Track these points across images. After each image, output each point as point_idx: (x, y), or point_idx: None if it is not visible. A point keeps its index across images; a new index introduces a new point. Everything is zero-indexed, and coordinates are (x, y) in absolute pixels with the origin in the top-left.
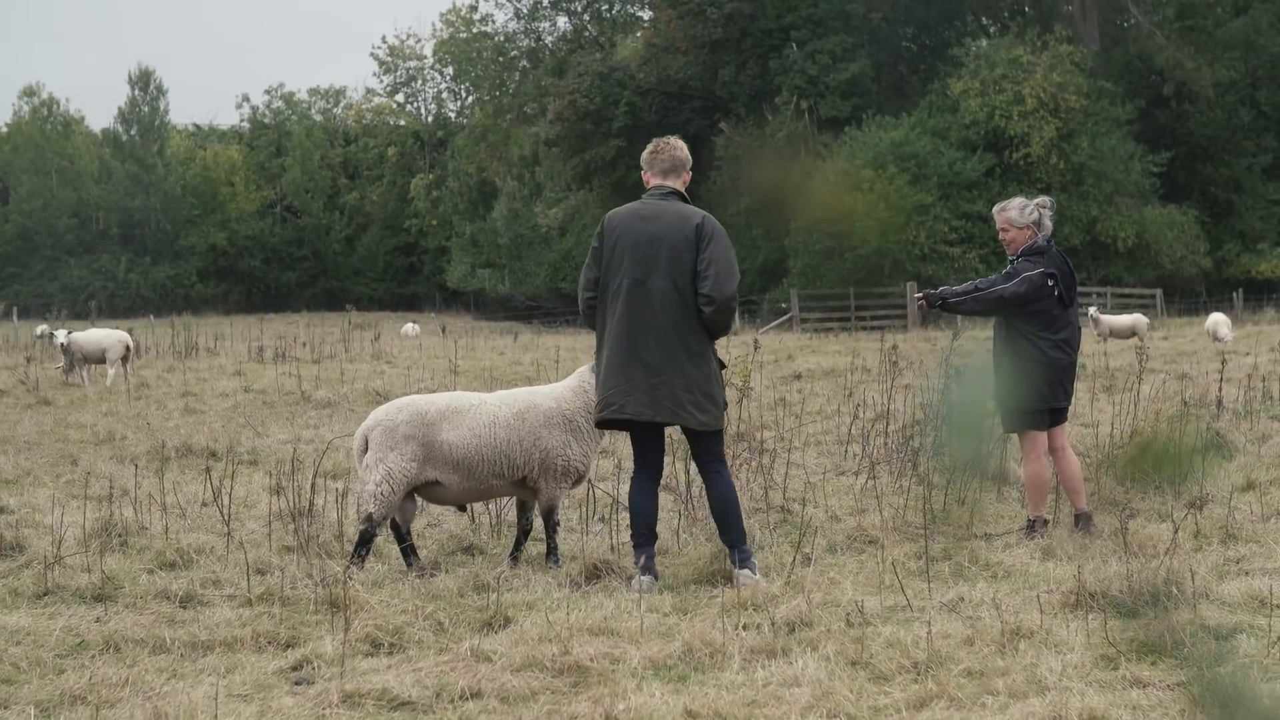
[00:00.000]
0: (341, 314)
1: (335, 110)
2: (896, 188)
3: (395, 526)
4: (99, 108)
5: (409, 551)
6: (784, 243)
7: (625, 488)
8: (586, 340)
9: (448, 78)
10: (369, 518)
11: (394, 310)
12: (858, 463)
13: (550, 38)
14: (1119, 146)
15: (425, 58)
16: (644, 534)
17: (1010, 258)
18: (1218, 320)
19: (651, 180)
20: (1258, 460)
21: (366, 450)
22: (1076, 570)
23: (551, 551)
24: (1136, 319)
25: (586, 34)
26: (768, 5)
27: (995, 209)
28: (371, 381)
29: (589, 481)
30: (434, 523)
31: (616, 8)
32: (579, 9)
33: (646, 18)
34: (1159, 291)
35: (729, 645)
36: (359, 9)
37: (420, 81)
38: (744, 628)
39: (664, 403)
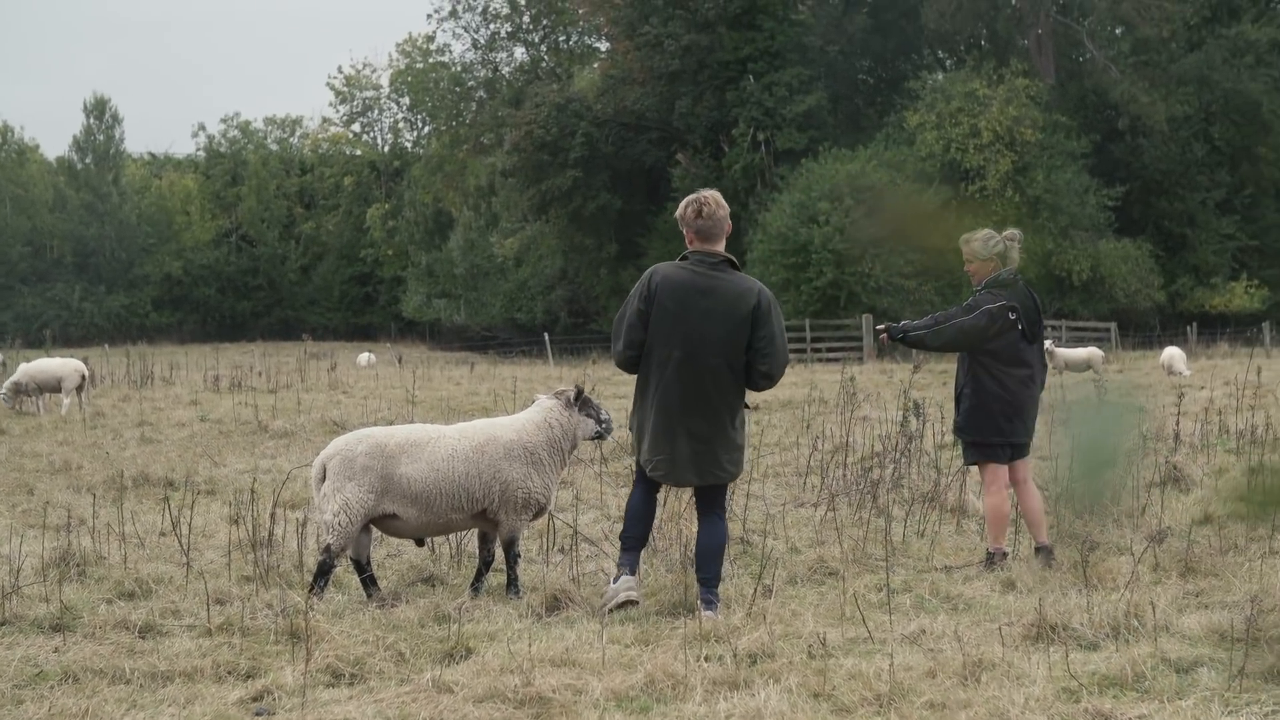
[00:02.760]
0: (297, 343)
1: (291, 139)
2: (853, 220)
3: (355, 558)
4: (54, 136)
5: (369, 582)
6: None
7: (585, 518)
8: (542, 370)
9: (404, 108)
10: (327, 548)
11: (349, 340)
12: (817, 494)
13: (507, 68)
14: (1074, 180)
15: (382, 87)
16: (634, 538)
17: (974, 289)
18: (1173, 354)
19: (695, 243)
20: (1215, 494)
21: (324, 479)
22: (1038, 603)
23: (512, 583)
24: (1091, 352)
25: (543, 65)
26: (725, 37)
27: (961, 240)
28: (328, 411)
29: (549, 513)
30: (394, 553)
31: (574, 39)
32: (536, 40)
33: (604, 49)
34: (1113, 325)
35: (691, 677)
36: (315, 39)
37: (377, 111)
38: (706, 659)
39: (707, 468)
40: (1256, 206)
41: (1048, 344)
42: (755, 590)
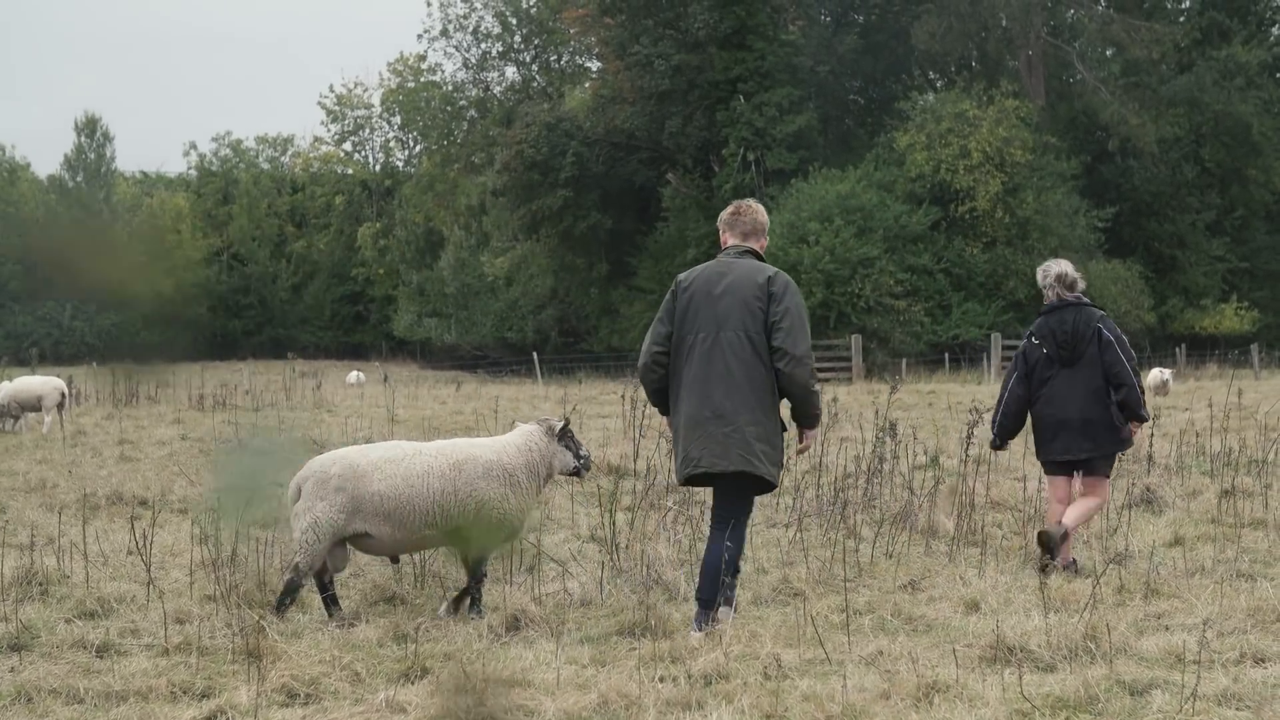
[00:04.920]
0: (287, 362)
1: (283, 158)
2: (842, 240)
3: (318, 576)
4: (45, 154)
5: (330, 601)
6: None
7: (555, 538)
8: (529, 390)
9: (395, 127)
10: (295, 567)
11: (340, 359)
12: (788, 515)
13: (498, 88)
14: (1064, 201)
15: (373, 106)
16: (708, 592)
17: None
18: (1159, 374)
19: (729, 240)
20: (1187, 516)
21: (296, 495)
22: (995, 625)
23: (475, 602)
24: None
25: (535, 84)
26: (715, 57)
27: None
28: (310, 430)
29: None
30: (357, 573)
31: (565, 59)
32: (527, 59)
33: (594, 69)
34: None
35: (645, 697)
36: (307, 57)
37: (368, 130)
38: (661, 680)
39: (735, 450)
40: (1247, 228)
41: None
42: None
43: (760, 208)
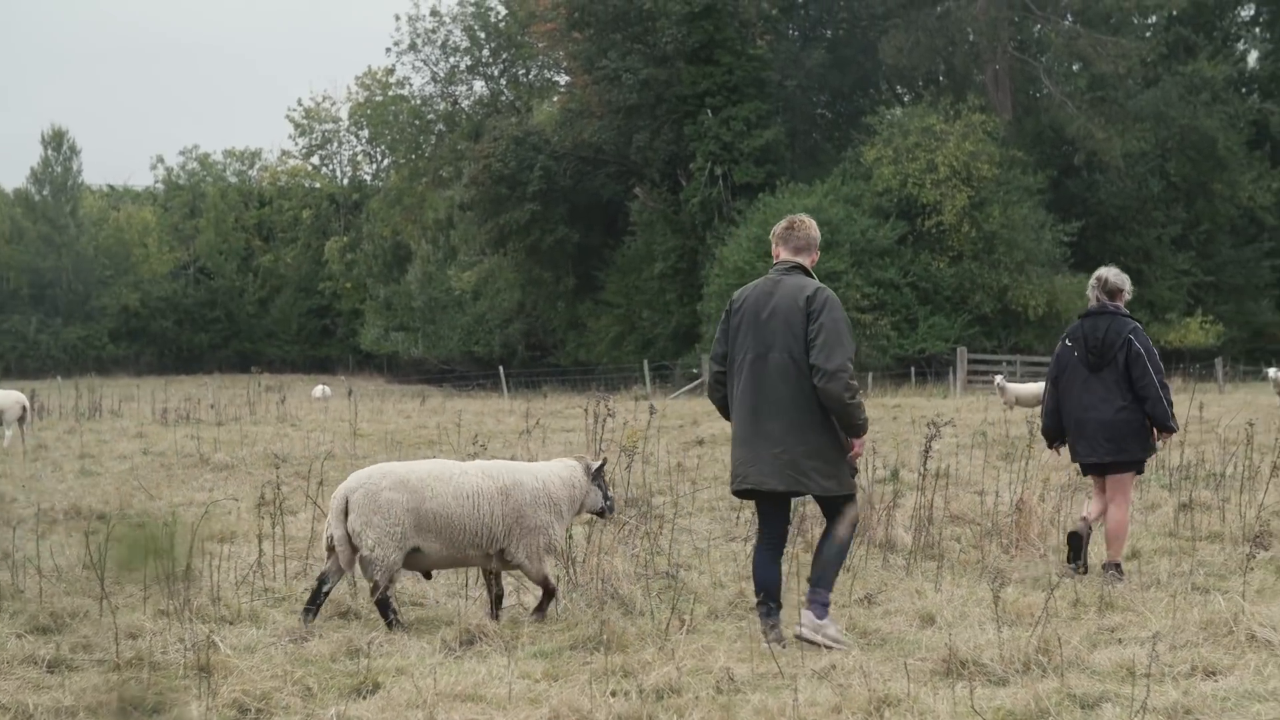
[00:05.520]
0: (252, 376)
1: (250, 172)
2: None
3: (321, 579)
4: (11, 168)
5: (312, 611)
6: (697, 308)
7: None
8: (494, 404)
9: (363, 140)
10: (375, 585)
11: (307, 373)
12: (747, 529)
13: (467, 102)
14: (1030, 215)
15: (341, 120)
16: (767, 603)
17: None
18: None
19: (781, 254)
20: (1144, 529)
21: (347, 513)
22: (949, 638)
23: (540, 609)
24: (1042, 388)
25: (503, 98)
26: (683, 72)
27: None
28: (272, 444)
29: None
30: (311, 586)
31: (533, 73)
32: (495, 73)
33: (562, 83)
34: None
35: (596, 712)
36: (275, 71)
37: (336, 144)
38: (613, 694)
39: (786, 471)
40: (1212, 242)
41: (999, 379)
42: (667, 624)
43: (813, 223)
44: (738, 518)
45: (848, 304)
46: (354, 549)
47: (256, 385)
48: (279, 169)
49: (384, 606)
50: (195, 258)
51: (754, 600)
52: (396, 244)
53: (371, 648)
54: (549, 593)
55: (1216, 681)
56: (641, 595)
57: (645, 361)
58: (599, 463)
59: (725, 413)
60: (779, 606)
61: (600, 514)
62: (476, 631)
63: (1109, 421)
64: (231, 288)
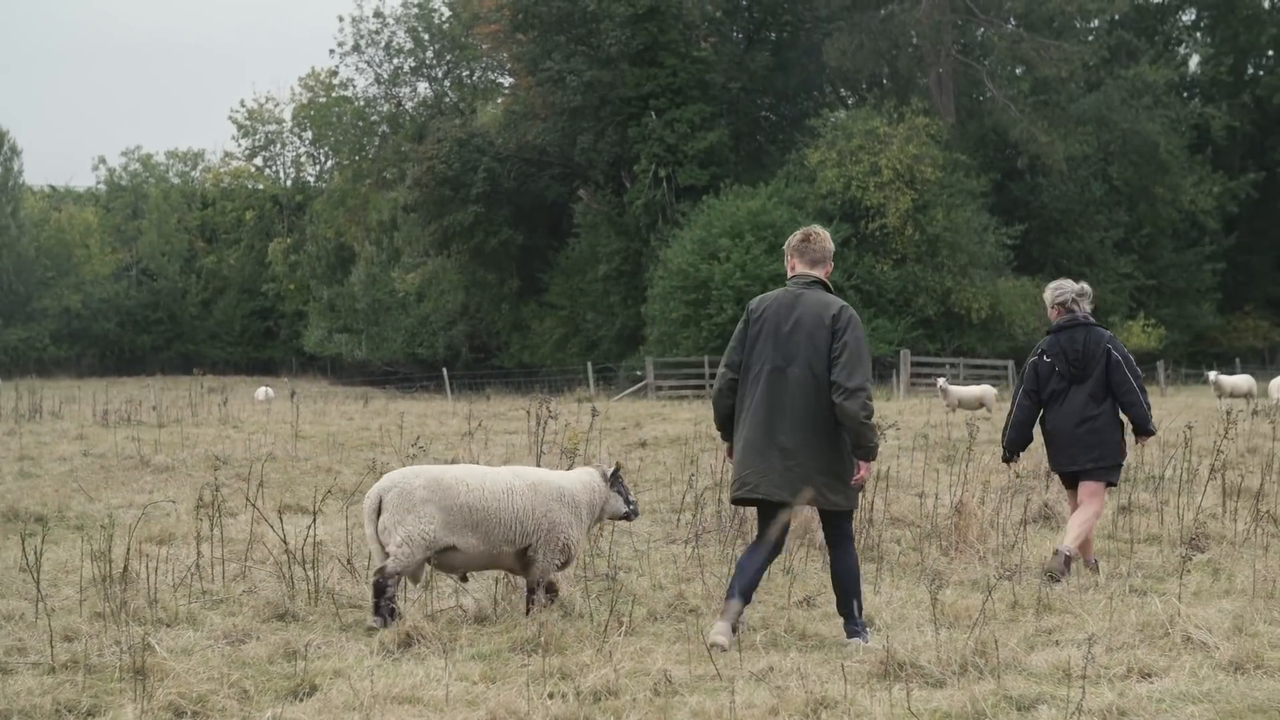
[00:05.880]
0: (195, 378)
1: (193, 173)
2: (753, 256)
3: (379, 586)
4: None
5: (386, 607)
6: (641, 310)
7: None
8: (438, 406)
9: (307, 142)
10: (382, 570)
11: (250, 374)
12: (687, 531)
13: (410, 103)
14: (973, 218)
15: (284, 121)
16: (737, 590)
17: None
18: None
19: (798, 267)
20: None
21: (380, 512)
22: (886, 640)
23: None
24: (984, 390)
25: (447, 100)
26: (627, 74)
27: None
28: (214, 446)
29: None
30: (250, 590)
31: (477, 74)
32: (439, 75)
33: (506, 85)
34: (1011, 363)
35: (534, 714)
36: (217, 72)
37: (279, 145)
38: (550, 696)
39: (797, 484)
40: (1154, 246)
41: (941, 381)
42: (605, 626)
43: (827, 235)
44: (678, 520)
45: None
46: (383, 547)
47: (199, 387)
48: (222, 170)
49: (380, 590)
50: (137, 259)
51: (687, 599)
52: (340, 246)
53: (309, 650)
54: (539, 592)
55: (1152, 683)
56: (580, 597)
57: (589, 363)
58: (613, 468)
59: (724, 420)
60: (747, 599)
61: (625, 518)
62: (414, 634)
63: (1089, 430)
64: (174, 289)
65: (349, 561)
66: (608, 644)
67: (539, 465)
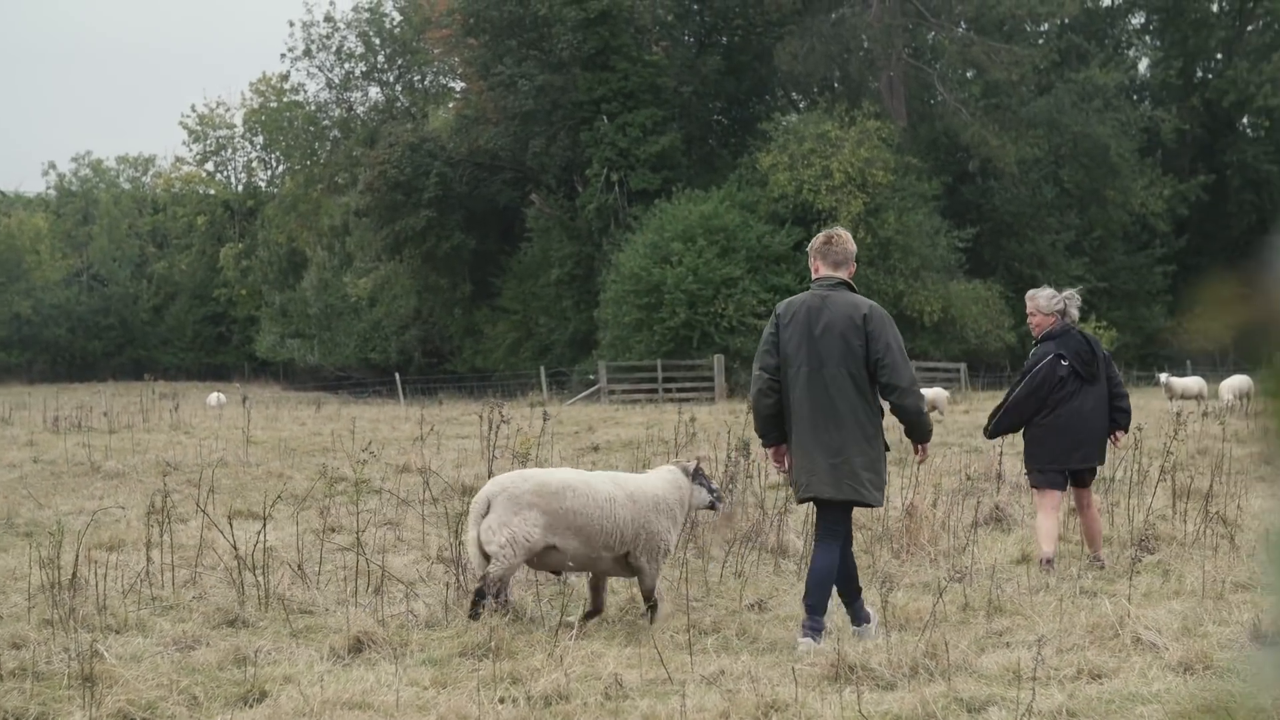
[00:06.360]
0: (146, 384)
1: (144, 178)
2: (705, 260)
3: (481, 593)
4: None
5: (488, 602)
6: (593, 314)
7: (405, 559)
8: (390, 411)
9: (258, 147)
10: (485, 576)
11: (202, 380)
12: None
13: (362, 108)
14: (925, 222)
15: (235, 126)
16: (843, 594)
17: (1034, 339)
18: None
19: (821, 269)
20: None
21: (488, 513)
22: (837, 643)
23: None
24: (936, 393)
25: (398, 104)
26: (578, 78)
27: (1027, 295)
28: (165, 452)
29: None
30: (200, 595)
31: (428, 79)
32: (391, 79)
33: (458, 89)
34: (963, 365)
35: (484, 719)
36: (168, 77)
37: (230, 150)
38: (501, 701)
39: (845, 481)
40: (1105, 248)
41: None
42: (556, 630)
43: (849, 236)
44: None
45: (744, 310)
46: (483, 549)
47: (150, 393)
48: (173, 175)
49: (480, 596)
50: (88, 265)
51: (639, 603)
52: (292, 251)
53: (259, 656)
54: (653, 605)
55: (1101, 684)
56: (532, 602)
57: (542, 368)
58: (694, 464)
59: (764, 421)
60: (856, 597)
61: (711, 507)
62: (365, 639)
63: (1103, 430)
64: (125, 295)
65: (299, 567)
66: (559, 648)
67: (491, 471)
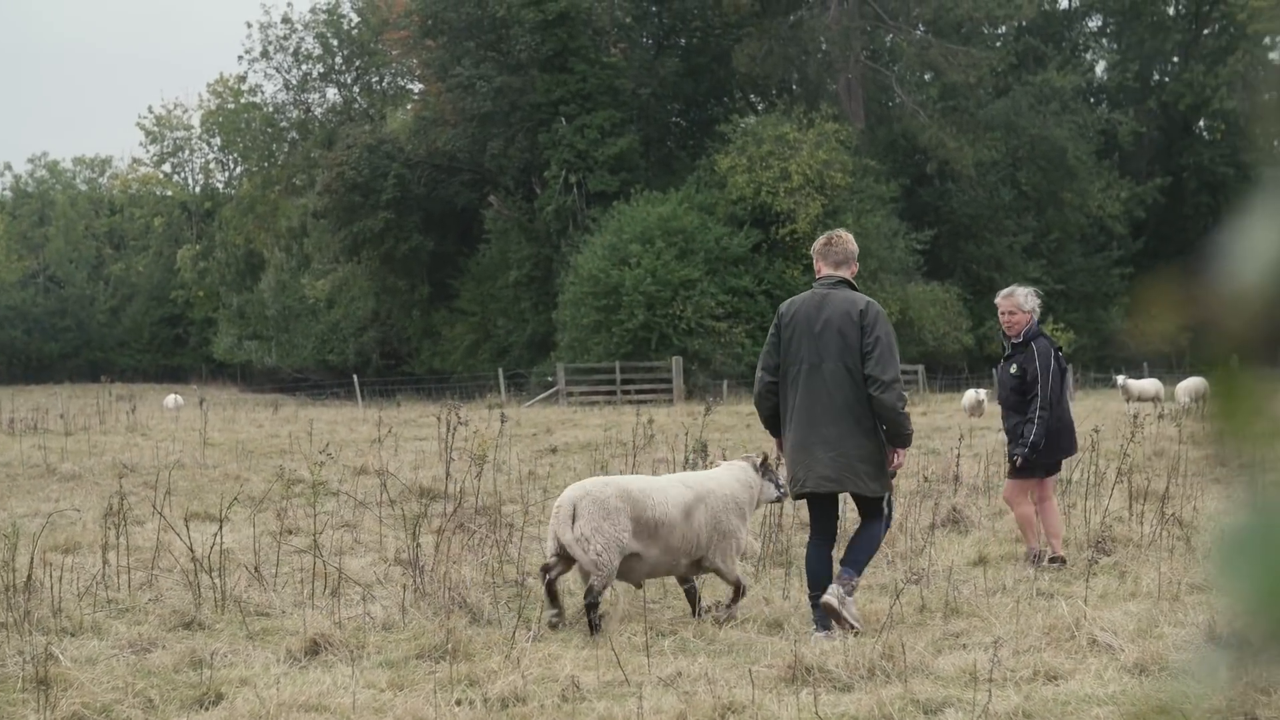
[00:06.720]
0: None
1: (101, 180)
2: (664, 262)
3: (592, 606)
4: None
5: (557, 609)
6: (552, 316)
7: (362, 561)
8: (348, 413)
9: (215, 148)
10: (591, 588)
11: (159, 382)
12: None
13: (320, 109)
14: (883, 224)
15: (193, 128)
16: (820, 591)
17: (1013, 339)
18: (974, 395)
19: (823, 269)
20: (992, 535)
21: (574, 518)
22: (794, 645)
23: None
24: None
25: (356, 106)
26: (537, 80)
27: (1002, 294)
28: (121, 454)
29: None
30: (155, 598)
31: (386, 80)
32: (349, 81)
33: (416, 91)
34: (921, 367)
35: None
36: (125, 78)
37: (188, 152)
38: (458, 703)
39: (845, 474)
40: (1062, 251)
41: None
42: (514, 632)
43: (850, 237)
44: None
45: (702, 312)
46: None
47: (107, 394)
48: (130, 177)
49: (593, 609)
50: (45, 266)
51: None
52: (249, 252)
53: (215, 658)
54: (741, 591)
55: (1058, 685)
56: (489, 604)
57: (500, 370)
58: (760, 458)
59: (769, 421)
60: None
61: (777, 501)
62: (322, 641)
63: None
64: (82, 296)
65: (256, 569)
66: (516, 650)
67: (448, 472)
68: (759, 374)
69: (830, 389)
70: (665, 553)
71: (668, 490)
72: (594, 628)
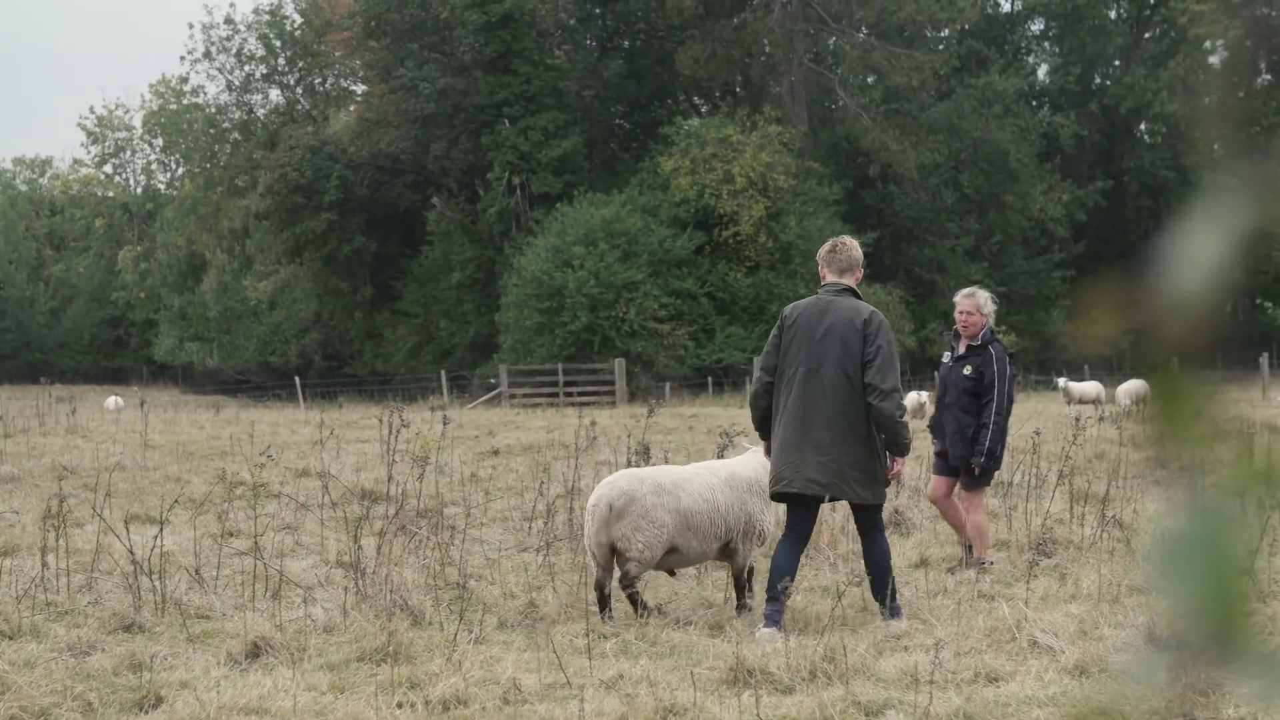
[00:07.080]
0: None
1: (41, 180)
2: (607, 264)
3: (601, 584)
4: None
5: (608, 610)
6: (495, 318)
7: (304, 563)
8: (290, 415)
9: (157, 149)
10: (627, 573)
11: (100, 383)
12: (539, 539)
13: (262, 110)
14: (826, 226)
15: (134, 128)
16: (779, 588)
17: (969, 340)
18: (918, 397)
19: (828, 276)
20: (934, 538)
21: (610, 516)
22: (736, 647)
23: (744, 606)
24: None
25: (299, 107)
26: (480, 81)
27: (963, 294)
28: (61, 456)
29: (260, 560)
30: (94, 600)
31: (329, 81)
32: (291, 82)
33: (359, 92)
34: None
35: None
36: (66, 78)
37: (129, 152)
38: (399, 706)
39: (833, 480)
40: (1004, 253)
41: None
42: (455, 635)
43: (854, 244)
44: (530, 528)
45: (645, 314)
46: (614, 552)
47: (47, 396)
48: (71, 177)
49: (635, 598)
50: None
51: (538, 607)
52: (191, 254)
53: (155, 661)
54: (750, 575)
55: (998, 687)
56: (431, 606)
57: (443, 372)
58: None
59: (760, 420)
60: (788, 595)
61: None
62: (263, 644)
63: None
64: (21, 297)
65: (197, 572)
66: (457, 653)
67: (390, 475)
68: (758, 374)
69: (827, 394)
70: (700, 541)
71: (694, 480)
72: (640, 605)
